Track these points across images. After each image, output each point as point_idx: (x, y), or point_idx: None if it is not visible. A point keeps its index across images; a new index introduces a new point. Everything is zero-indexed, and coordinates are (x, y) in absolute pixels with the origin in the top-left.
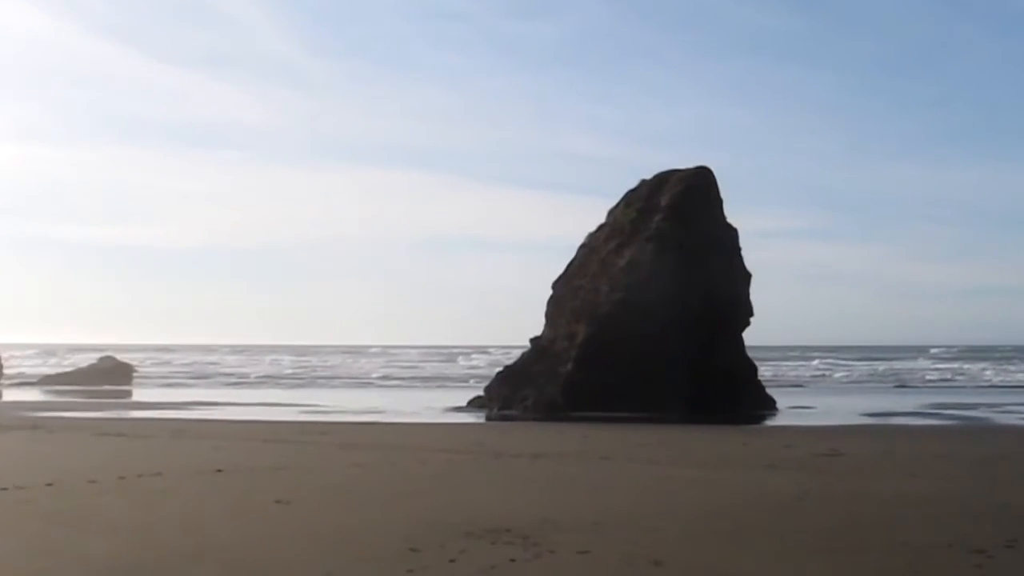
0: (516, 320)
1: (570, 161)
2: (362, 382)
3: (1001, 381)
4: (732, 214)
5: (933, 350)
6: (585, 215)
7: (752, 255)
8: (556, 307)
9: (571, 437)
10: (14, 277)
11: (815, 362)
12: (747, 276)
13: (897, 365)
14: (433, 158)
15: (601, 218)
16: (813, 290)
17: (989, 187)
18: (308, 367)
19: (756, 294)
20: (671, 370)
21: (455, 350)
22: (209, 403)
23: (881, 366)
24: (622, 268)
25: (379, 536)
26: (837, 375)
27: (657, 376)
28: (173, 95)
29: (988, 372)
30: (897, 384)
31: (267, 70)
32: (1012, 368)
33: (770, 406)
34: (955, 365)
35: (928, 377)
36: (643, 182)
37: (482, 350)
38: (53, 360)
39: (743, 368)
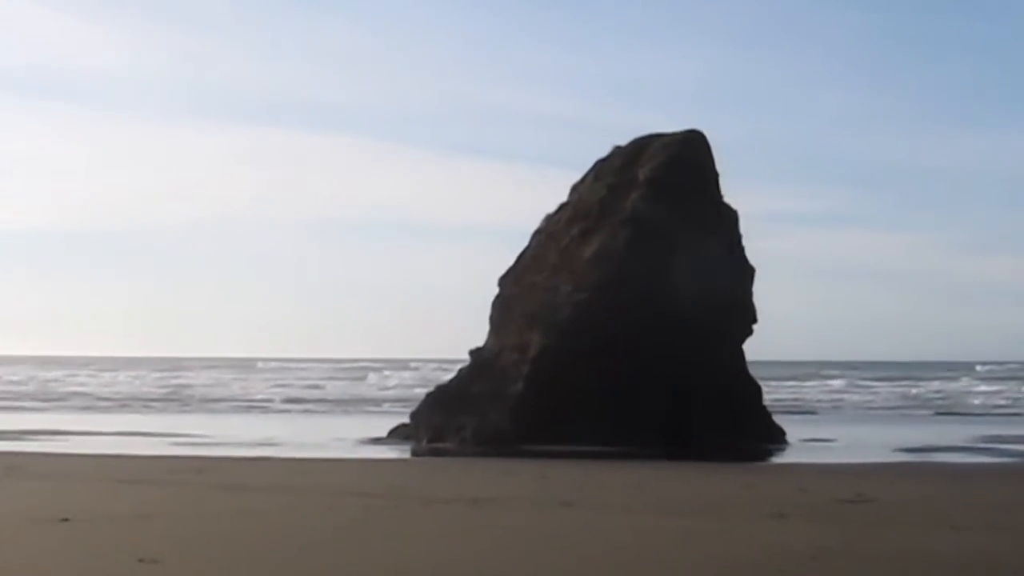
0: (451, 327)
1: (526, 122)
2: (251, 405)
3: None
4: (732, 192)
5: (980, 367)
6: (544, 191)
7: (757, 245)
8: (504, 310)
9: (522, 477)
10: None
11: (835, 382)
12: (750, 272)
13: (939, 386)
14: (348, 117)
15: (563, 196)
16: (835, 290)
17: None
18: (181, 386)
19: (761, 295)
20: (651, 391)
21: (367, 365)
22: (51, 432)
23: (918, 388)
24: (588, 260)
25: None
26: (863, 399)
27: (633, 399)
28: (2, 30)
29: None
30: (939, 411)
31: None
32: None
33: (778, 438)
34: (1010, 386)
35: (978, 402)
36: (617, 150)
37: (403, 365)
38: None
39: (743, 389)
